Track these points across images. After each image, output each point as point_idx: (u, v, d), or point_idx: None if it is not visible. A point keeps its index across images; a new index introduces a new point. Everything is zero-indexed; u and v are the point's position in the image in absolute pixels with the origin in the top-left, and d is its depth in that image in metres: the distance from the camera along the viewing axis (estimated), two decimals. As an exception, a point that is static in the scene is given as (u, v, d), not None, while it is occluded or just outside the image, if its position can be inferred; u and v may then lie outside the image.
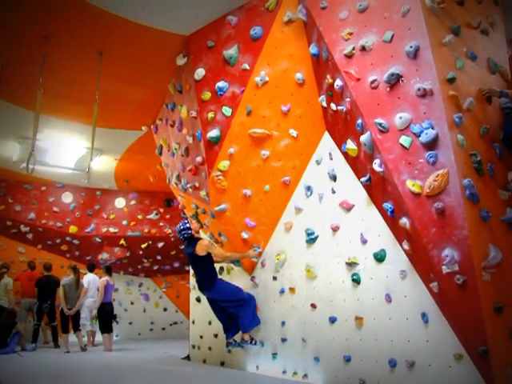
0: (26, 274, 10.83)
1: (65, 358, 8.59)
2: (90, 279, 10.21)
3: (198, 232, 6.47)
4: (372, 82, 4.57)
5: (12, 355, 8.73)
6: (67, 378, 5.94)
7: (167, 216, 12.91)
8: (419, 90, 4.23)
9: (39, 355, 9.01)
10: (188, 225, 6.30)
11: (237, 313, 6.10)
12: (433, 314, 4.29)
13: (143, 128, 8.74)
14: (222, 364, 6.88)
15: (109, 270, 10.26)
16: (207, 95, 6.01)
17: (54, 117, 8.31)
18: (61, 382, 5.66)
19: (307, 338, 5.60)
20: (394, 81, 4.41)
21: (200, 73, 6.08)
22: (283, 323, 5.96)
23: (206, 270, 6.21)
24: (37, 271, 11.10)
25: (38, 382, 5.25)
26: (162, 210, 12.97)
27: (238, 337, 6.30)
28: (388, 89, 4.47)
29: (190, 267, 6.54)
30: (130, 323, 13.51)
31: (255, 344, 6.18)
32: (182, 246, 6.49)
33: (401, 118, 4.31)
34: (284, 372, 5.81)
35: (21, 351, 9.31)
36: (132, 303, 13.75)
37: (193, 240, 6.27)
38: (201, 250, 6.12)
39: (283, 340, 5.93)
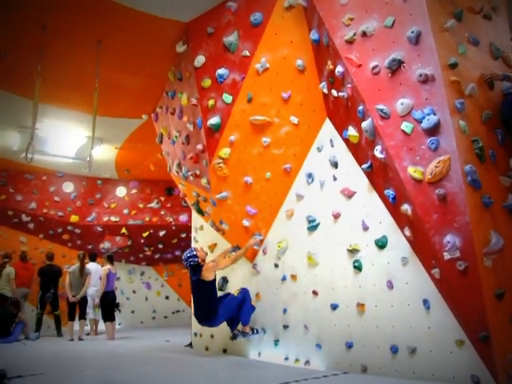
0: (18, 264, 10.74)
1: (68, 346, 8.64)
2: (91, 268, 10.25)
3: (203, 260, 6.34)
4: (373, 68, 4.55)
5: (16, 344, 8.79)
6: (70, 366, 5.98)
7: (168, 204, 12.92)
8: (421, 75, 4.21)
9: (43, 344, 9.07)
10: (195, 252, 6.25)
11: (237, 314, 6.21)
12: (434, 300, 4.30)
13: (143, 116, 8.73)
14: (225, 351, 6.91)
15: (110, 259, 10.27)
16: (207, 82, 5.98)
17: (54, 106, 8.30)
18: (64, 370, 5.69)
19: (309, 324, 5.62)
20: (396, 66, 4.38)
21: (200, 60, 6.04)
22: (285, 310, 5.97)
23: (211, 297, 6.18)
24: (29, 262, 11.13)
25: (42, 370, 5.27)
26: (162, 199, 12.97)
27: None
28: (389, 75, 4.44)
29: (192, 298, 6.49)
30: (133, 312, 13.58)
31: (257, 333, 6.21)
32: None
33: (402, 104, 4.29)
34: (286, 359, 5.83)
35: (24, 340, 9.36)
36: (134, 292, 13.83)
37: (198, 267, 6.21)
38: (208, 273, 6.13)
39: (285, 327, 5.95)
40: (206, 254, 6.48)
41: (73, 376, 5.19)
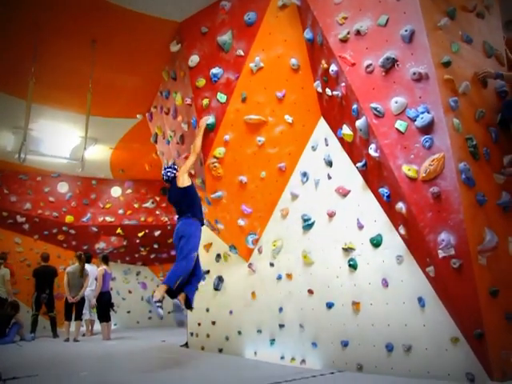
0: None
1: (63, 347, 8.61)
2: (88, 270, 10.21)
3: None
4: (367, 67, 4.56)
5: (11, 345, 8.75)
6: (66, 367, 5.96)
7: (163, 204, 12.86)
8: (414, 74, 4.22)
9: (38, 345, 9.02)
10: (175, 166, 5.96)
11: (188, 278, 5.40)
12: (429, 298, 4.32)
13: (138, 116, 8.72)
14: (220, 351, 6.91)
15: (106, 259, 10.25)
16: (202, 82, 5.96)
17: (48, 106, 8.27)
18: (59, 371, 5.67)
19: (305, 323, 5.63)
20: (390, 65, 4.40)
21: (194, 59, 6.02)
22: (281, 309, 5.97)
23: (194, 201, 5.66)
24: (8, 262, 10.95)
25: (37, 372, 5.25)
26: (158, 199, 12.93)
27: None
28: (383, 73, 4.46)
29: (174, 209, 5.95)
30: (129, 312, 13.56)
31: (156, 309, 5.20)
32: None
33: (396, 102, 4.31)
34: (282, 358, 5.83)
35: (20, 341, 9.33)
36: (130, 292, 13.81)
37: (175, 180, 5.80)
38: (182, 179, 5.67)
39: (281, 326, 5.95)
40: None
41: (68, 377, 5.17)
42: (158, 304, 5.14)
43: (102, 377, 5.11)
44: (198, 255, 5.52)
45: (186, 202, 5.62)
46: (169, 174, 5.85)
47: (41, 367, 5.75)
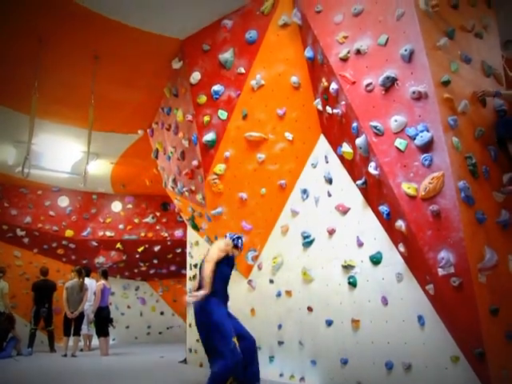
0: None
1: (61, 362, 8.55)
2: (87, 284, 10.18)
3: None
4: (367, 86, 4.59)
5: (8, 360, 8.69)
6: (65, 383, 5.92)
7: (164, 220, 12.89)
8: (414, 93, 4.25)
9: (35, 360, 8.97)
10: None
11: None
12: (429, 316, 4.30)
13: (139, 132, 8.76)
14: (219, 367, 6.86)
15: (105, 274, 10.23)
16: (203, 99, 6.02)
17: (50, 121, 8.32)
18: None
19: (304, 340, 5.61)
20: (389, 84, 4.43)
21: (196, 76, 6.09)
22: (280, 326, 5.95)
23: None
24: None
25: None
26: (158, 214, 12.93)
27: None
28: (383, 92, 4.48)
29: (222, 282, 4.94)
30: (127, 327, 13.48)
31: None
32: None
33: (396, 121, 4.33)
34: (281, 375, 5.80)
35: (17, 356, 9.27)
36: (129, 307, 13.73)
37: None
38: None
39: (280, 343, 5.93)
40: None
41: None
42: None
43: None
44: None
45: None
46: (240, 241, 5.05)
47: (38, 382, 5.71)
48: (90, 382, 6.13)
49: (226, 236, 5.04)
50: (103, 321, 9.81)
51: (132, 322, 13.63)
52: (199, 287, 4.72)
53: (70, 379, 6.34)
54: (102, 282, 9.95)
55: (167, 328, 13.99)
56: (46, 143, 9.14)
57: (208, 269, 4.56)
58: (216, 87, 5.88)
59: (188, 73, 6.17)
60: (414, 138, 4.19)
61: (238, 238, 5.00)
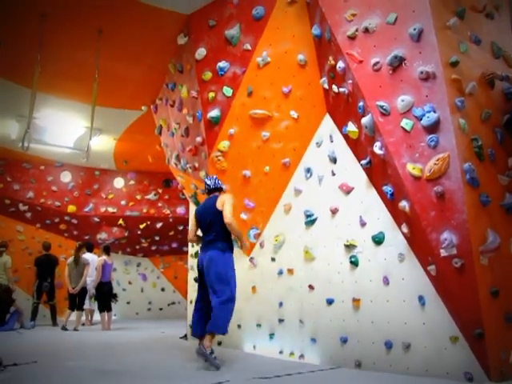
0: None
1: (63, 335, 8.65)
2: (88, 259, 10.26)
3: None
4: (374, 65, 4.55)
5: (11, 333, 8.79)
6: (65, 355, 5.98)
7: (166, 196, 12.91)
8: (422, 73, 4.21)
9: (38, 333, 9.06)
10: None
11: (214, 304, 4.99)
12: (430, 296, 4.32)
13: (143, 108, 8.72)
14: (219, 344, 6.92)
15: (107, 250, 10.29)
16: (208, 75, 5.97)
17: (53, 95, 8.29)
18: (59, 358, 5.70)
19: (304, 318, 5.65)
20: (397, 63, 4.39)
21: (201, 52, 6.03)
22: (281, 304, 5.99)
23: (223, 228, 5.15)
24: None
25: (37, 359, 5.28)
26: (160, 191, 12.95)
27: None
28: (390, 71, 4.45)
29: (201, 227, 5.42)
30: (128, 303, 13.59)
31: (214, 360, 4.83)
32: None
33: (403, 100, 4.30)
34: (281, 352, 5.86)
35: (20, 329, 9.37)
36: (130, 283, 13.84)
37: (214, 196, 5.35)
38: (228, 208, 5.04)
39: (280, 321, 5.97)
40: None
41: (67, 364, 5.20)
42: (214, 355, 4.86)
43: (101, 365, 5.13)
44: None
45: (218, 225, 5.12)
46: (217, 182, 5.44)
47: (40, 354, 5.78)
48: (92, 354, 6.19)
49: (205, 181, 5.60)
50: (105, 296, 9.90)
51: (133, 297, 13.75)
52: (198, 237, 5.55)
53: (72, 352, 6.42)
54: (104, 257, 10.01)
55: (168, 304, 14.11)
56: (49, 118, 9.13)
57: (236, 224, 5.17)
58: (221, 64, 5.83)
59: (193, 49, 6.11)
60: (421, 119, 4.17)
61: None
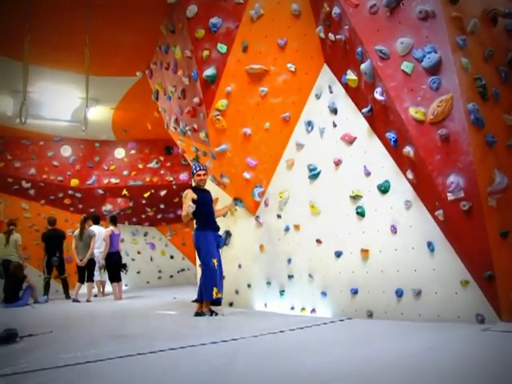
0: None
1: (77, 306, 8.76)
2: (95, 231, 10.28)
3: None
4: (371, 7, 4.42)
5: (25, 307, 8.90)
6: (80, 324, 6.06)
7: (168, 164, 12.85)
8: (421, 12, 4.08)
9: (51, 306, 9.18)
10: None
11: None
12: (438, 242, 4.28)
13: (138, 73, 8.56)
14: (231, 305, 6.99)
15: (114, 220, 10.32)
16: (201, 33, 5.81)
17: (46, 67, 8.12)
18: (74, 327, 5.78)
19: (314, 273, 5.65)
20: (394, 4, 4.25)
21: (192, 10, 5.85)
22: (289, 260, 6.00)
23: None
24: None
25: (52, 329, 5.33)
26: (162, 159, 12.87)
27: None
28: (388, 13, 4.31)
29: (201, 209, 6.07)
30: (138, 272, 13.71)
31: (212, 313, 6.02)
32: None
33: (402, 43, 4.18)
34: (292, 308, 5.89)
35: (34, 303, 9.48)
36: (139, 253, 13.92)
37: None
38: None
39: (290, 277, 5.99)
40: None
41: (82, 332, 5.26)
42: (214, 314, 5.97)
43: (117, 331, 5.18)
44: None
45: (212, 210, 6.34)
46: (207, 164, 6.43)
47: (55, 325, 5.83)
48: (107, 322, 6.26)
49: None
50: (114, 266, 9.96)
51: (143, 267, 13.85)
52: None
53: (87, 321, 6.49)
54: (111, 228, 10.03)
55: (178, 271, 14.22)
56: (44, 91, 8.99)
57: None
58: (214, 20, 5.67)
59: (184, 6, 5.92)
60: (421, 60, 4.06)
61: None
